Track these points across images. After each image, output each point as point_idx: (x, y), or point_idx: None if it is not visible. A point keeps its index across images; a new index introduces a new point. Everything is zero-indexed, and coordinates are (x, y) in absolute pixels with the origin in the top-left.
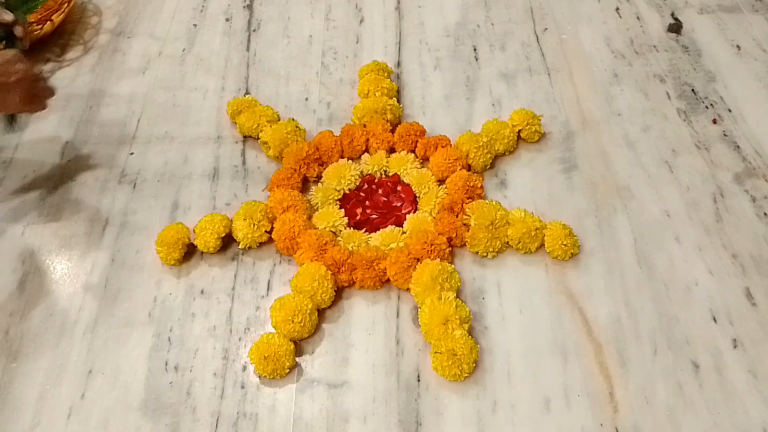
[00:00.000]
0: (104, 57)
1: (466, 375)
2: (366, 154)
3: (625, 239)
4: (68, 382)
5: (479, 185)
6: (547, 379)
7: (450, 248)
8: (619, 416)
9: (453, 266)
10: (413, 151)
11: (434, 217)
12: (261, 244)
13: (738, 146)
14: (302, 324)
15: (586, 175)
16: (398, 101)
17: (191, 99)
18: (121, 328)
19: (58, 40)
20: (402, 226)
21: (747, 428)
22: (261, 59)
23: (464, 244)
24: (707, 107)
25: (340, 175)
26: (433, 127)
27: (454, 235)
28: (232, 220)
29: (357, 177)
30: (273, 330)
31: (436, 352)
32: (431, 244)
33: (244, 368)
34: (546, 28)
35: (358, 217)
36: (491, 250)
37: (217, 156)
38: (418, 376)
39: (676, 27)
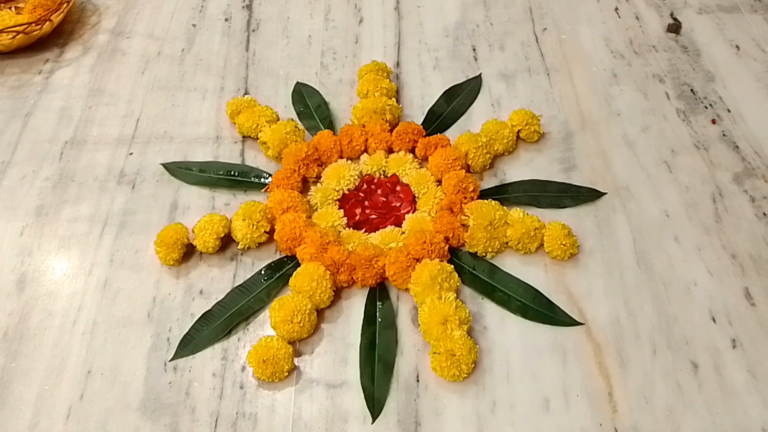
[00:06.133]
0: (103, 57)
1: (465, 375)
2: (365, 154)
3: (624, 239)
4: (67, 383)
5: (471, 188)
6: (546, 379)
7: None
8: (618, 416)
9: (452, 266)
10: (412, 152)
11: (433, 217)
12: (260, 245)
13: (737, 146)
14: (301, 324)
15: (586, 175)
16: (397, 101)
17: (190, 99)
18: (120, 328)
19: (57, 40)
20: (401, 226)
21: (746, 428)
22: (260, 59)
23: (463, 244)
24: (706, 107)
25: (339, 176)
26: None
27: (451, 235)
28: (231, 221)
29: (356, 177)
30: (272, 330)
31: (434, 353)
32: (430, 244)
33: (243, 368)
34: (545, 28)
35: (357, 218)
36: (490, 250)
37: (216, 156)
38: (417, 376)
39: (675, 27)
